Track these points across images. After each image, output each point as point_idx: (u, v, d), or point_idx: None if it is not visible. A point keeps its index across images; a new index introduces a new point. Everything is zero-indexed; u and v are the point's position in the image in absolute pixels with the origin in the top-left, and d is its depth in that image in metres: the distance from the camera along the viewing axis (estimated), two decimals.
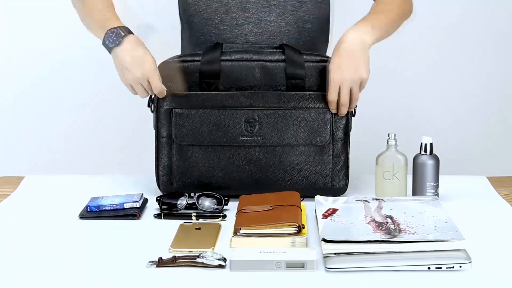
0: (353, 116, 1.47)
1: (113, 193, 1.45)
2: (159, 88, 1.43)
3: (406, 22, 1.64)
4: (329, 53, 1.72)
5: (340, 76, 1.42)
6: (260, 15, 1.56)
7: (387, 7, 1.56)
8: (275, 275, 1.12)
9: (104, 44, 1.46)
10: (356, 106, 1.47)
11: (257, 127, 1.44)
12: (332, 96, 1.43)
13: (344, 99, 1.43)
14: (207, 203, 1.39)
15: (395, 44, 2.59)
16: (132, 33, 1.46)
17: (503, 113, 2.65)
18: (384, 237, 1.15)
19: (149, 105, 1.48)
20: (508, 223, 1.35)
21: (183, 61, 1.46)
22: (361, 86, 1.45)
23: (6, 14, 2.62)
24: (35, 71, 2.63)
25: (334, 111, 1.45)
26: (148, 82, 1.43)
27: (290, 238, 1.21)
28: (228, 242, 1.23)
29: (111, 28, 1.45)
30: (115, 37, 1.44)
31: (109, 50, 1.46)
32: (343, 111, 1.44)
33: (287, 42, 1.53)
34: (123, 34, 1.45)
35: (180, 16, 1.64)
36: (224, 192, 1.45)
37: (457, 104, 2.65)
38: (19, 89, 2.66)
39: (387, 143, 1.45)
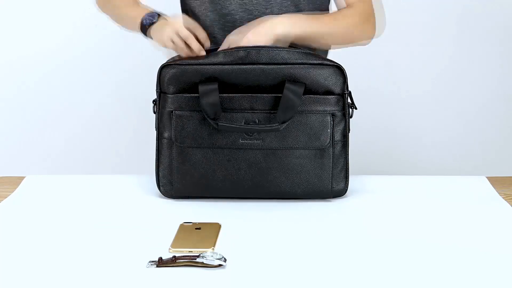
0: (351, 117, 1.47)
1: (113, 193, 1.44)
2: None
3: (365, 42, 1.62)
4: (330, 53, 1.72)
5: (235, 39, 1.48)
6: (263, 16, 1.57)
7: (339, 17, 1.58)
8: (276, 275, 1.12)
9: (142, 23, 1.55)
10: (354, 108, 1.47)
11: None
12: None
13: None
14: None
15: (396, 43, 2.60)
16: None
17: (503, 113, 2.65)
18: None
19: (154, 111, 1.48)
20: (508, 223, 1.35)
21: (185, 63, 1.45)
22: None
23: (8, 14, 2.62)
24: (36, 71, 2.64)
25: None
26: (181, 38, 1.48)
27: None
28: (228, 242, 1.23)
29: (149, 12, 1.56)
30: (151, 16, 1.54)
31: (148, 26, 1.55)
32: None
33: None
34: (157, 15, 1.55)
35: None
36: (224, 194, 1.46)
37: (457, 104, 2.65)
38: (19, 89, 2.66)
39: None
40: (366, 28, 1.61)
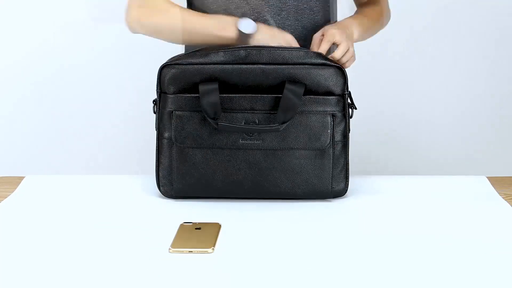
0: (351, 117, 1.47)
1: (113, 193, 1.44)
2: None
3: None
4: None
5: (340, 35, 1.52)
6: (278, 18, 1.57)
7: (369, 13, 1.71)
8: (276, 275, 1.12)
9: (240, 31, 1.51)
10: (353, 108, 1.47)
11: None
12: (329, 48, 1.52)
13: (344, 53, 1.52)
14: None
15: (396, 43, 2.60)
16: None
17: (503, 113, 2.65)
18: None
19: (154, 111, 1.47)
20: (508, 223, 1.35)
21: (185, 63, 1.44)
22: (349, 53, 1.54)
23: (7, 14, 2.62)
24: (36, 71, 2.64)
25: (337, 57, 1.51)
26: None
27: None
28: (228, 242, 1.23)
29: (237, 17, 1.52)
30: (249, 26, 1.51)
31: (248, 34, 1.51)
32: (347, 63, 1.54)
33: (303, 45, 1.56)
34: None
35: None
36: (224, 194, 1.45)
37: (457, 104, 2.65)
38: (19, 89, 2.66)
39: None
40: (386, 17, 1.77)
